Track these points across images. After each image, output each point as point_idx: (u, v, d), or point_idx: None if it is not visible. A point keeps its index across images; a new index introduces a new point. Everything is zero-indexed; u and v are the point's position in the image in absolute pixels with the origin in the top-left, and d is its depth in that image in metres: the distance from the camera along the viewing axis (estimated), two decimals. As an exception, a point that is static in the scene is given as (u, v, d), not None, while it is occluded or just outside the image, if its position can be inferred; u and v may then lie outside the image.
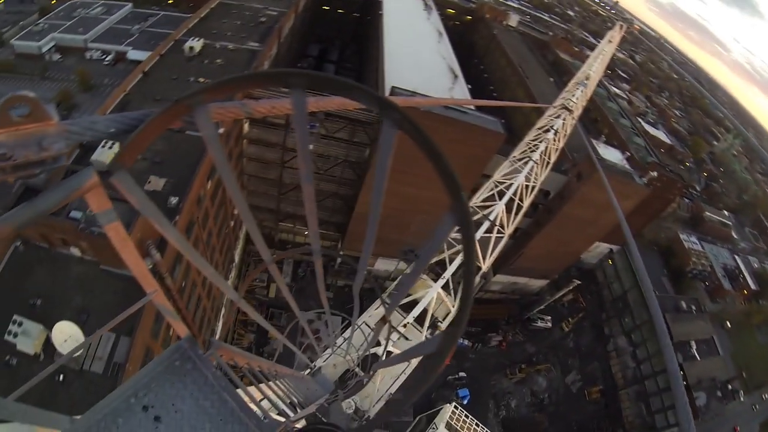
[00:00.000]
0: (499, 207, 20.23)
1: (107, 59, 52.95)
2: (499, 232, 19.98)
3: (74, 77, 46.48)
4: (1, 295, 28.49)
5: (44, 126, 1.73)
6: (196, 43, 47.00)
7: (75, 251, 29.57)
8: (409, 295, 17.13)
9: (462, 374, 52.32)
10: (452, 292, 17.86)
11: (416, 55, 52.32)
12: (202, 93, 1.81)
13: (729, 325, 65.59)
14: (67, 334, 25.28)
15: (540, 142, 22.99)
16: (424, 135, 1.47)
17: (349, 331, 13.77)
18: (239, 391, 3.59)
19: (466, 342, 55.23)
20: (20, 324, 26.64)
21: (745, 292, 70.40)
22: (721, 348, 58.10)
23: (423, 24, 65.54)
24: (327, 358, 13.97)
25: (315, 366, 13.62)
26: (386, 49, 49.82)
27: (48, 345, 26.16)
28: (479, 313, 56.75)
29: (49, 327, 25.68)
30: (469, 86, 55.20)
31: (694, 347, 54.96)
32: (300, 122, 1.85)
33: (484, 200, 21.12)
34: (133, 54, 51.68)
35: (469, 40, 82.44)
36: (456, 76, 51.54)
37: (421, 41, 58.62)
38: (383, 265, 53.92)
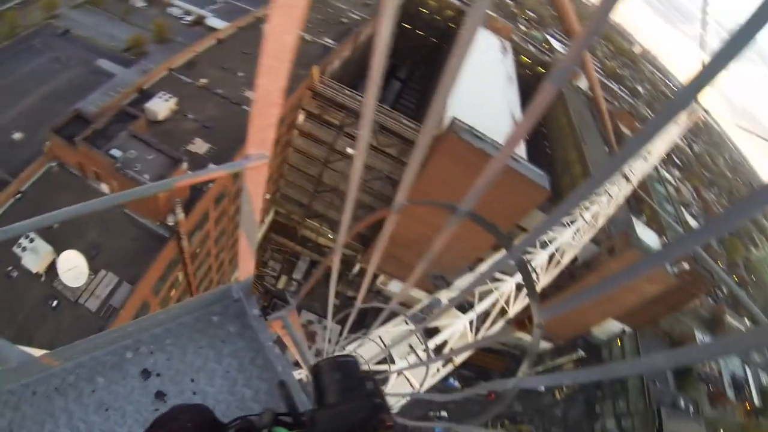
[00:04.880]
0: (542, 257, 19.66)
1: (187, 19, 53.75)
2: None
3: (151, 27, 47.36)
4: (23, 208, 28.84)
5: None
6: (273, 26, 47.59)
7: (105, 187, 29.85)
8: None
9: (443, 413, 51.17)
10: (474, 329, 17.28)
11: (482, 94, 51.94)
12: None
13: (722, 435, 62.89)
14: (73, 264, 25.62)
15: (592, 204, 22.43)
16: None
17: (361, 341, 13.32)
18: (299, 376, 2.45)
19: (456, 383, 54.08)
20: (32, 240, 26.86)
21: (747, 405, 67.17)
22: (710, 457, 55.54)
23: (496, 65, 65.32)
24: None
25: None
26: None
27: (51, 269, 26.27)
28: (476, 359, 55.58)
29: (59, 251, 26.05)
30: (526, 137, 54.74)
31: (682, 449, 52.68)
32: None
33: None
34: (212, 21, 52.35)
35: (536, 92, 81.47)
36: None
37: (490, 81, 58.26)
38: (396, 287, 53.25)
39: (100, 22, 46.69)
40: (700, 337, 70.31)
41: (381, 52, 1.20)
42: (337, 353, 13.73)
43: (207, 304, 2.62)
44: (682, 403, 57.13)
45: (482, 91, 53.04)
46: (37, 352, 2.40)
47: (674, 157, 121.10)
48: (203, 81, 39.44)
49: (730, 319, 79.14)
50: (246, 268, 2.39)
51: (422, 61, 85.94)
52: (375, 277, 54.32)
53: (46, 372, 2.38)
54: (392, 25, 1.11)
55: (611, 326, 61.90)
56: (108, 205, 1.41)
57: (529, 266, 18.75)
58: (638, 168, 25.56)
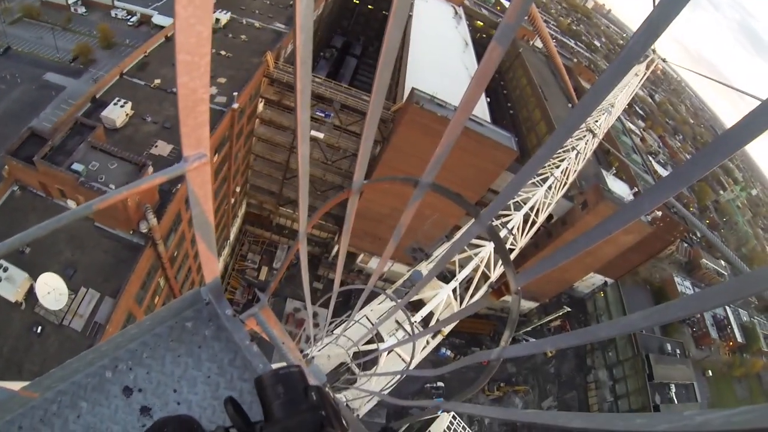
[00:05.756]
0: (517, 218, 19.85)
1: (131, 20, 52.22)
2: (511, 244, 19.64)
3: (96, 33, 45.93)
4: (-9, 237, 27.60)
5: None
6: (223, 16, 46.81)
7: (71, 204, 29.08)
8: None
9: (440, 384, 51.88)
10: (458, 297, 17.44)
11: (439, 61, 51.97)
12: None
13: (710, 374, 65.16)
14: (51, 287, 24.85)
15: (561, 161, 22.61)
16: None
17: (347, 323, 13.39)
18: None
19: (448, 352, 54.80)
20: (5, 269, 25.99)
21: (731, 343, 69.83)
22: (700, 395, 57.30)
23: (450, 32, 65.18)
24: (321, 348, 13.47)
25: (308, 355, 13.07)
26: (410, 51, 49.48)
27: (31, 294, 25.53)
28: (465, 325, 56.32)
29: (35, 276, 25.23)
30: (488, 99, 54.92)
31: (673, 390, 54.29)
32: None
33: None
34: (158, 18, 50.96)
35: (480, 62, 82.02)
36: (476, 88, 51.49)
37: (446, 48, 58.24)
38: (377, 264, 53.40)
39: (41, 34, 45.17)
40: (679, 280, 72.24)
41: (306, 32, 1.13)
42: (326, 339, 13.79)
43: (179, 312, 2.55)
44: (669, 348, 59.02)
45: (440, 59, 53.00)
46: (15, 386, 2.29)
47: (637, 108, 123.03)
48: (157, 81, 38.49)
49: (706, 262, 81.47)
50: (210, 269, 2.31)
51: (375, 36, 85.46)
52: (354, 256, 54.42)
53: (28, 405, 2.31)
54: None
55: (593, 279, 63.22)
56: (66, 221, 1.33)
57: (505, 230, 19.01)
58: (603, 121, 25.85)
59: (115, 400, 2.36)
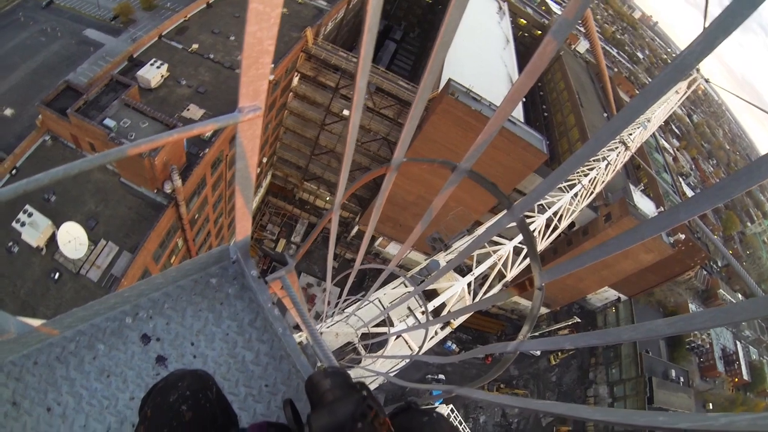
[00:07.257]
0: (540, 221, 19.71)
1: (175, -17, 52.43)
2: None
3: (138, -6, 46.40)
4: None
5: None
6: (266, -12, 46.64)
7: (100, 158, 29.52)
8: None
9: (441, 376, 52.07)
10: (472, 292, 17.43)
11: (479, 55, 51.47)
12: None
13: (711, 407, 63.95)
14: (72, 236, 25.39)
15: (591, 169, 22.35)
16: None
17: (359, 303, 13.46)
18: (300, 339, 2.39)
19: (453, 346, 54.92)
20: (30, 215, 26.67)
21: (737, 379, 68.27)
22: (697, 427, 56.35)
23: (493, 27, 64.40)
24: (331, 326, 13.55)
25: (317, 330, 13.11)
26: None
27: (52, 241, 26.18)
28: (473, 322, 56.32)
29: (58, 224, 25.84)
30: (523, 99, 54.32)
31: (671, 418, 53.54)
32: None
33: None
34: (202, -16, 51.18)
35: (533, 54, 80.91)
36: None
37: (487, 43, 57.56)
38: (395, 250, 53.57)
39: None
40: (694, 307, 71.00)
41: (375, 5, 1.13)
42: (336, 317, 13.90)
43: (204, 267, 2.56)
44: (674, 374, 58.19)
45: (479, 52, 52.45)
46: (35, 322, 2.32)
47: (673, 127, 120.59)
48: (195, 46, 38.66)
49: (723, 292, 79.71)
50: (242, 227, 2.27)
51: (417, 22, 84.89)
52: (374, 238, 54.62)
53: (46, 341, 2.37)
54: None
55: (607, 293, 62.59)
56: (96, 164, 1.36)
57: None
58: (637, 134, 25.41)
59: (132, 346, 2.41)
